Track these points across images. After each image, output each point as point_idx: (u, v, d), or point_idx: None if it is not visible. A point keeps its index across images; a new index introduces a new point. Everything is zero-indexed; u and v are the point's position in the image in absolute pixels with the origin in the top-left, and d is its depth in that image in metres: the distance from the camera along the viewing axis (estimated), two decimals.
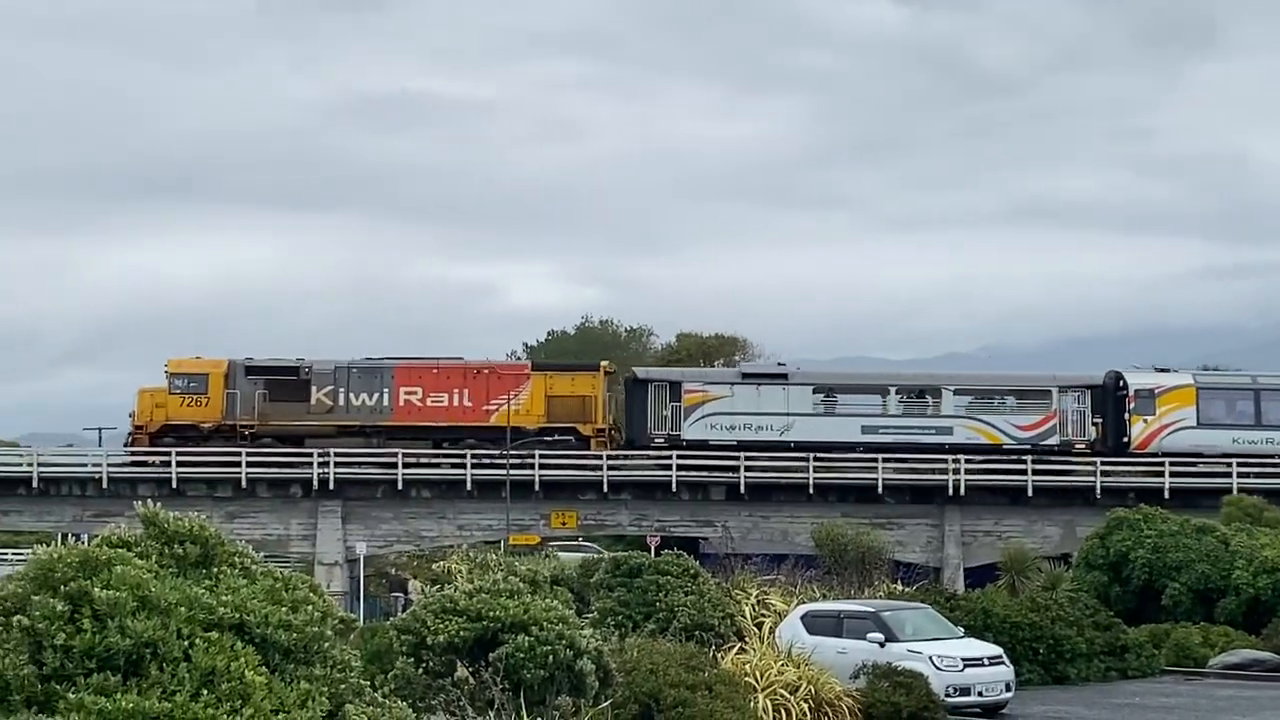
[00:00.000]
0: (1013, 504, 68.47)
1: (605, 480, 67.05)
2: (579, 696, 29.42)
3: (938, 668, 34.97)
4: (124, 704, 21.62)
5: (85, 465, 67.94)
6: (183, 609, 23.20)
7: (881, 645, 35.36)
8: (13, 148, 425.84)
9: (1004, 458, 67.88)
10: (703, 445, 67.74)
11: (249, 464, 66.34)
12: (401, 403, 68.72)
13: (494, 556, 64.81)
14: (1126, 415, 67.34)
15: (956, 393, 69.18)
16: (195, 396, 68.75)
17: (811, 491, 67.08)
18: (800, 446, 67.53)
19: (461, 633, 31.85)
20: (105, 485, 66.58)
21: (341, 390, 68.92)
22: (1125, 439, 67.59)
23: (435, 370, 69.57)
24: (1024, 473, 67.37)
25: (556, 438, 67.23)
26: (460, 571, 74.65)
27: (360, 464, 66.89)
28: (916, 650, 35.43)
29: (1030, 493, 67.74)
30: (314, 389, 69.12)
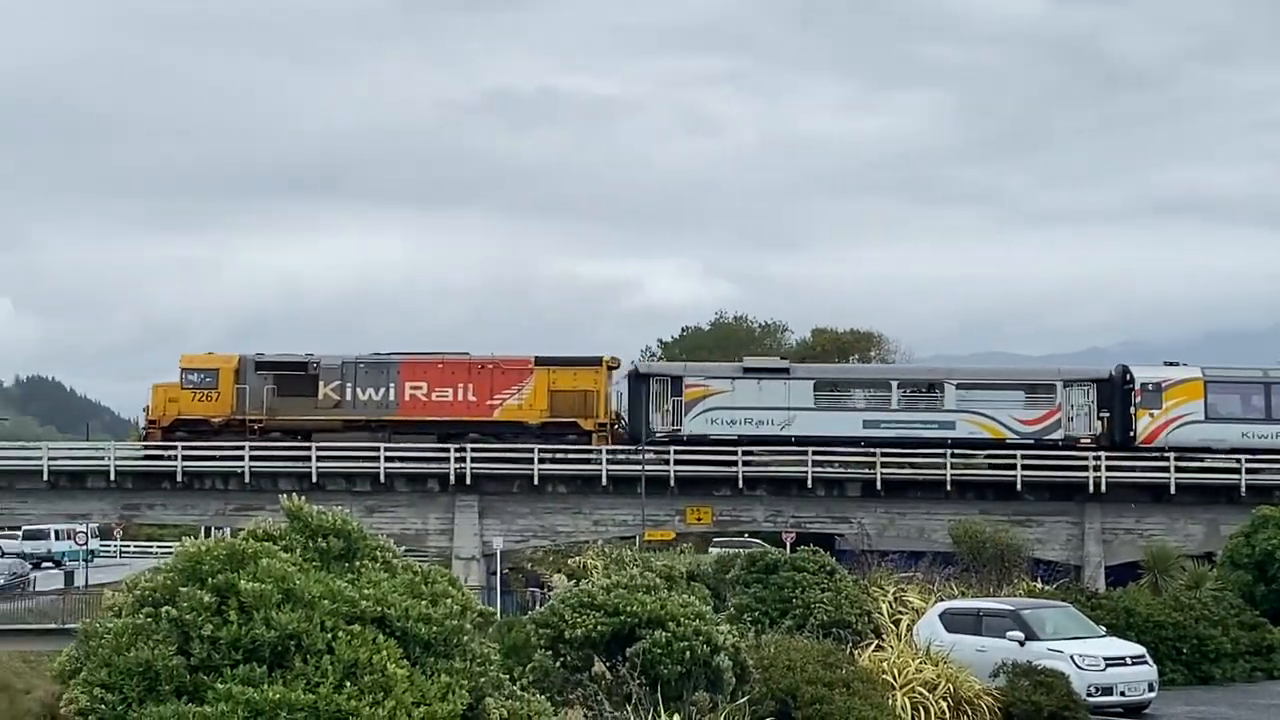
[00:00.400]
0: (1155, 501, 67.46)
1: (740, 476, 66.96)
2: (716, 693, 29.42)
3: (1079, 667, 34.59)
4: (270, 695, 21.98)
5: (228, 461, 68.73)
6: (326, 602, 23.54)
7: (1021, 644, 35.03)
8: (161, 149, 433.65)
9: (1145, 456, 66.91)
10: (703, 440, 67.62)
11: (387, 459, 67.03)
12: (407, 397, 69.19)
13: (629, 552, 65.02)
14: (1132, 409, 66.42)
15: (959, 387, 68.45)
16: (206, 391, 69.67)
17: (949, 488, 66.57)
18: (801, 441, 67.33)
19: (599, 627, 31.97)
20: (247, 480, 67.54)
21: (348, 385, 69.50)
22: (1131, 433, 66.77)
23: (440, 365, 69.96)
24: (1165, 470, 66.36)
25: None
26: (596, 567, 75.01)
27: (497, 459, 67.31)
28: (1057, 649, 35.07)
29: (1173, 490, 66.70)
30: (321, 384, 69.79)
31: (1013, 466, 66.34)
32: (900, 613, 41.90)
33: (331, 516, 26.34)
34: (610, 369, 70.00)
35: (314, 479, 66.08)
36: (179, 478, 67.46)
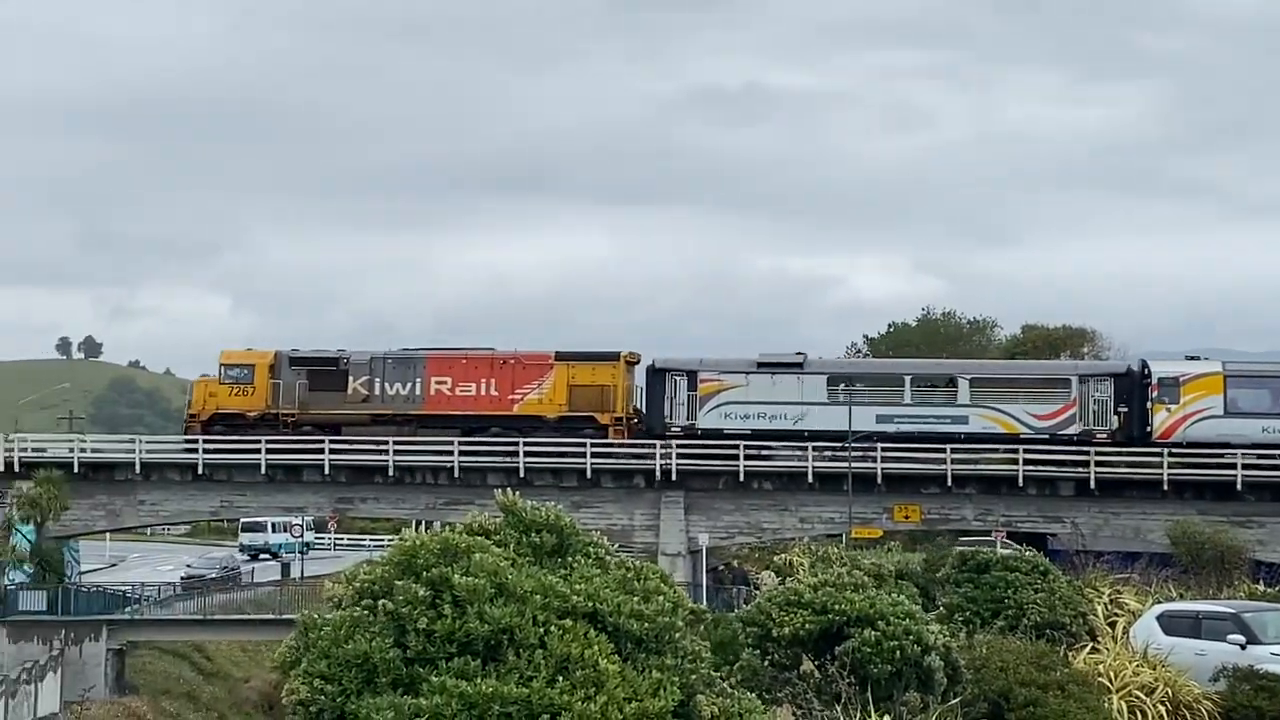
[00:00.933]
0: None
1: (949, 474, 66.14)
2: (927, 693, 29.10)
3: None
4: (484, 688, 22.24)
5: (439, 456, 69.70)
6: (538, 597, 23.75)
7: (1242, 648, 34.04)
8: (374, 148, 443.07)
9: None
10: (717, 434, 67.21)
11: (594, 454, 67.43)
12: (433, 392, 69.82)
13: (835, 549, 64.55)
14: (1149, 404, 64.84)
15: (972, 382, 67.38)
16: (243, 386, 70.76)
17: (1166, 488, 64.99)
18: (814, 436, 66.79)
19: (807, 625, 31.83)
20: (456, 475, 68.40)
21: (377, 380, 70.32)
22: (1148, 428, 65.12)
23: (464, 360, 70.61)
24: None
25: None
26: (802, 564, 74.69)
27: (702, 455, 67.30)
28: None
29: None
30: (351, 379, 70.57)
31: (1233, 466, 64.59)
32: (1116, 615, 41.08)
33: (544, 511, 26.61)
34: (629, 364, 70.32)
35: (521, 474, 66.69)
36: (390, 472, 68.54)
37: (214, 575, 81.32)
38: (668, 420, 67.63)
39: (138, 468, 69.24)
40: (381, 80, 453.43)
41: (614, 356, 69.91)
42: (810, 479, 66.72)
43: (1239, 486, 64.64)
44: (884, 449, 66.10)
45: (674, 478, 67.08)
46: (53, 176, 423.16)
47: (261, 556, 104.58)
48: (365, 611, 22.60)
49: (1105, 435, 65.79)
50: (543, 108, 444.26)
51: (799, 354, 69.52)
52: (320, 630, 22.27)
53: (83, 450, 69.63)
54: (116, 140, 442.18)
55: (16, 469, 68.47)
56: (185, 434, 72.27)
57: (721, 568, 71.75)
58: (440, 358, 70.82)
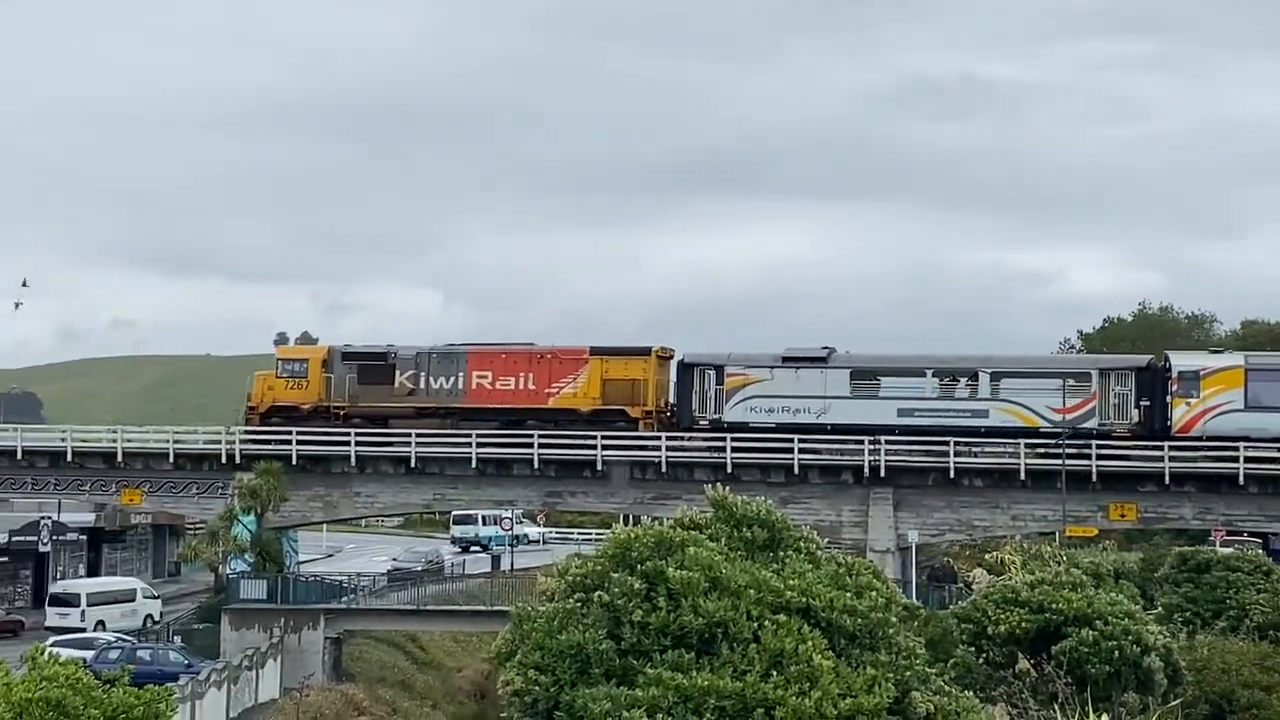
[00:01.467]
0: None
1: (1166, 472, 64.62)
2: (1146, 694, 28.55)
3: None
4: (699, 681, 22.38)
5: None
6: (752, 591, 23.81)
7: None
8: (581, 145, 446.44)
9: None
10: (743, 427, 67.42)
11: (801, 450, 67.14)
12: (474, 386, 71.09)
13: (1049, 548, 63.54)
14: (1169, 398, 63.85)
15: (993, 375, 66.65)
16: (298, 380, 72.73)
17: None
18: (837, 429, 66.74)
19: (1023, 624, 31.48)
20: (664, 469, 68.59)
21: (422, 374, 71.76)
22: (1169, 422, 63.91)
23: (504, 356, 71.79)
24: None
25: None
26: (1014, 562, 73.69)
27: (910, 451, 66.65)
28: None
29: None
30: (397, 373, 72.07)
31: None
32: None
33: (755, 506, 26.62)
34: (661, 359, 70.97)
35: (729, 469, 66.66)
36: (598, 466, 68.98)
37: (419, 569, 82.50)
38: (695, 413, 68.53)
39: (353, 460, 70.51)
40: (591, 78, 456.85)
41: (645, 351, 70.96)
42: (1022, 476, 65.63)
43: None
44: (1099, 447, 64.78)
45: (883, 474, 66.49)
46: (273, 177, 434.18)
47: (472, 549, 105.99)
48: (579, 604, 22.77)
49: (1125, 429, 65.03)
50: (751, 104, 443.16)
51: (825, 348, 69.70)
52: (535, 622, 22.54)
53: (300, 443, 71.11)
54: (333, 141, 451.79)
55: (238, 461, 70.29)
56: (245, 425, 74.49)
57: (936, 565, 70.99)
58: (481, 353, 72.38)
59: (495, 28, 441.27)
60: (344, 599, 65.62)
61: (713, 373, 68.56)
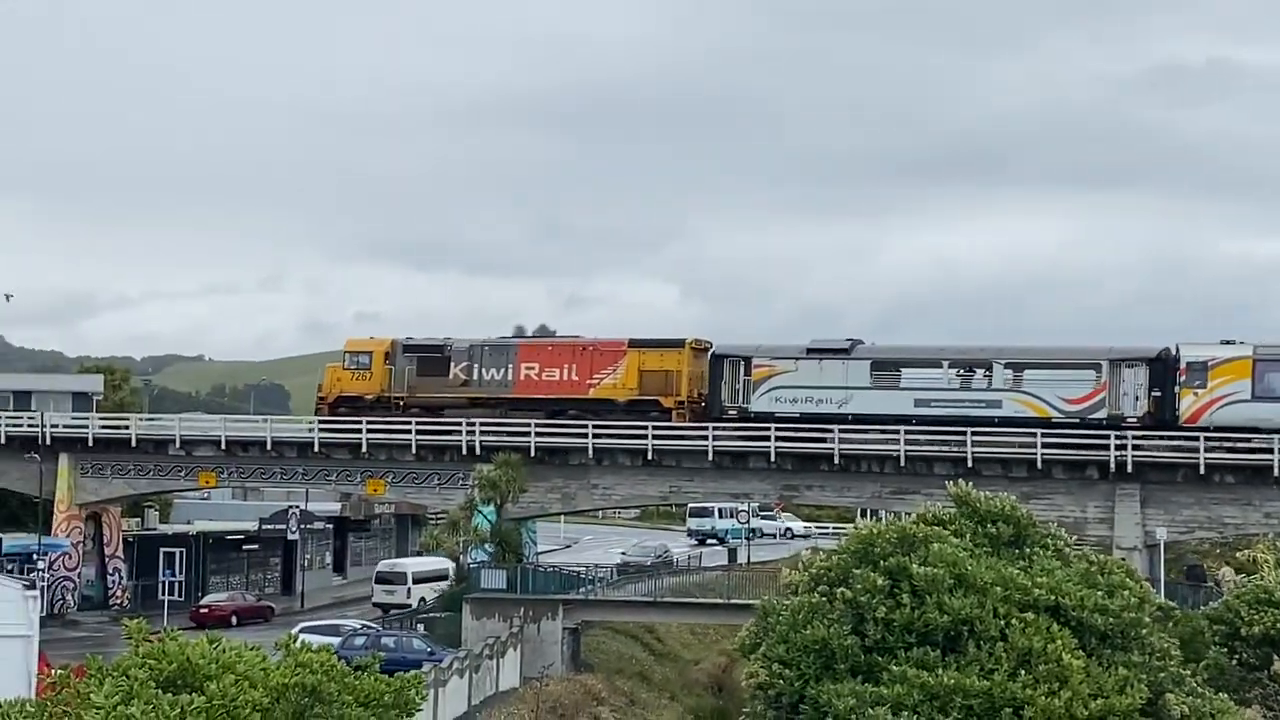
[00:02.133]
0: None
1: None
2: None
3: None
4: (945, 680, 22.05)
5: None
6: (998, 588, 23.38)
7: None
8: (818, 135, 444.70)
9: None
10: (768, 417, 69.19)
11: (1045, 445, 65.90)
12: (522, 377, 74.04)
13: None
14: (1176, 388, 64.12)
15: (1006, 366, 67.52)
16: (362, 371, 76.29)
17: None
18: (858, 419, 68.25)
19: (1278, 625, 30.39)
20: (903, 463, 67.90)
21: (475, 366, 74.84)
22: (1177, 412, 64.17)
23: (550, 348, 75.55)
24: None
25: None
26: (1267, 560, 71.55)
27: (1159, 446, 64.99)
28: None
29: None
30: (452, 365, 75.26)
31: None
32: None
33: (1000, 502, 26.15)
34: (696, 351, 72.73)
35: (969, 463, 65.70)
36: (836, 460, 68.56)
37: (648, 563, 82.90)
38: (725, 403, 70.31)
39: (590, 452, 71.15)
40: (830, 68, 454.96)
41: (680, 344, 73.03)
42: (1276, 473, 63.59)
43: None
44: None
45: (1129, 469, 64.95)
46: (513, 171, 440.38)
47: (708, 541, 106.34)
48: (823, 598, 22.59)
49: (1135, 420, 65.08)
50: (994, 92, 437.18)
51: (849, 340, 70.95)
52: (778, 615, 22.38)
53: (539, 435, 71.98)
54: (572, 134, 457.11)
55: (478, 452, 71.45)
56: (315, 415, 78.24)
57: (1192, 564, 69.11)
58: (530, 345, 76.47)
59: (737, 19, 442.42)
60: (582, 590, 66.21)
61: (741, 364, 70.50)
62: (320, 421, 75.24)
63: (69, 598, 78.88)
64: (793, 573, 24.29)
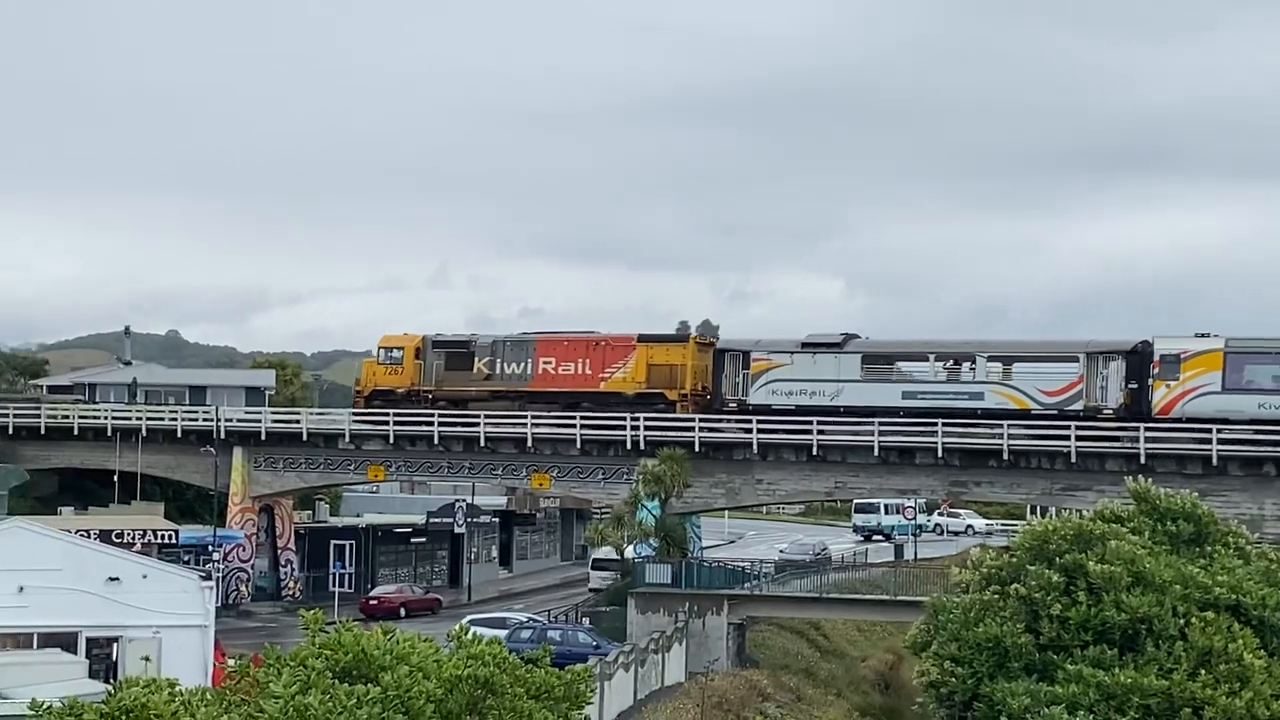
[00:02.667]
0: None
1: None
2: None
3: None
4: (1122, 679, 21.65)
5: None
6: (1177, 587, 22.93)
7: None
8: (989, 128, 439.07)
9: None
10: (766, 409, 71.32)
11: (1220, 441, 64.52)
12: (540, 371, 76.87)
13: None
14: (1150, 380, 65.55)
15: (989, 359, 69.35)
16: (395, 366, 79.70)
17: None
18: (849, 411, 70.07)
19: None
20: (1073, 459, 66.89)
21: (497, 360, 77.83)
22: (1150, 404, 65.47)
23: (566, 343, 77.66)
24: None
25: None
26: None
27: None
28: None
29: None
30: (476, 359, 78.36)
31: None
32: None
33: (1180, 499, 25.63)
34: (700, 346, 75.88)
35: (1142, 460, 64.53)
36: (1005, 456, 67.71)
37: (806, 561, 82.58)
38: (726, 396, 72.80)
39: (754, 448, 71.02)
40: (995, 60, 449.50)
41: (685, 339, 77.22)
42: None
43: None
44: None
45: None
46: (677, 165, 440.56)
47: (874, 537, 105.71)
48: (995, 596, 22.28)
49: (1110, 411, 66.40)
50: (1169, 82, 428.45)
51: (844, 334, 73.14)
52: (951, 613, 22.13)
53: (703, 430, 71.99)
54: (736, 128, 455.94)
55: (642, 447, 71.65)
56: (353, 408, 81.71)
57: None
58: (548, 340, 78.33)
59: (902, 11, 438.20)
60: (747, 585, 66.08)
61: (741, 358, 72.72)
62: (487, 417, 76.02)
63: (243, 588, 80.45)
64: (963, 570, 24.02)
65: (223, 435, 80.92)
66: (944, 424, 68.09)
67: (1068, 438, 65.89)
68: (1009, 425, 67.16)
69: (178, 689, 24.30)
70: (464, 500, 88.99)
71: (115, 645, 42.20)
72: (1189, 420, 64.50)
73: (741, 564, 70.94)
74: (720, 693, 55.05)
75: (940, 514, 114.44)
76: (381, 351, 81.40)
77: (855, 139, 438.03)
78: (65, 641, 41.34)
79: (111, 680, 38.30)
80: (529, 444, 75.15)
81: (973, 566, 24.10)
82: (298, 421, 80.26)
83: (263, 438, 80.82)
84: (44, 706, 24.27)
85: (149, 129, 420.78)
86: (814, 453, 70.22)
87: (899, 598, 61.05)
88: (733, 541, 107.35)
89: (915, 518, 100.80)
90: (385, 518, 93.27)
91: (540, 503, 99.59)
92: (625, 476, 72.54)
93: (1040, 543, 23.26)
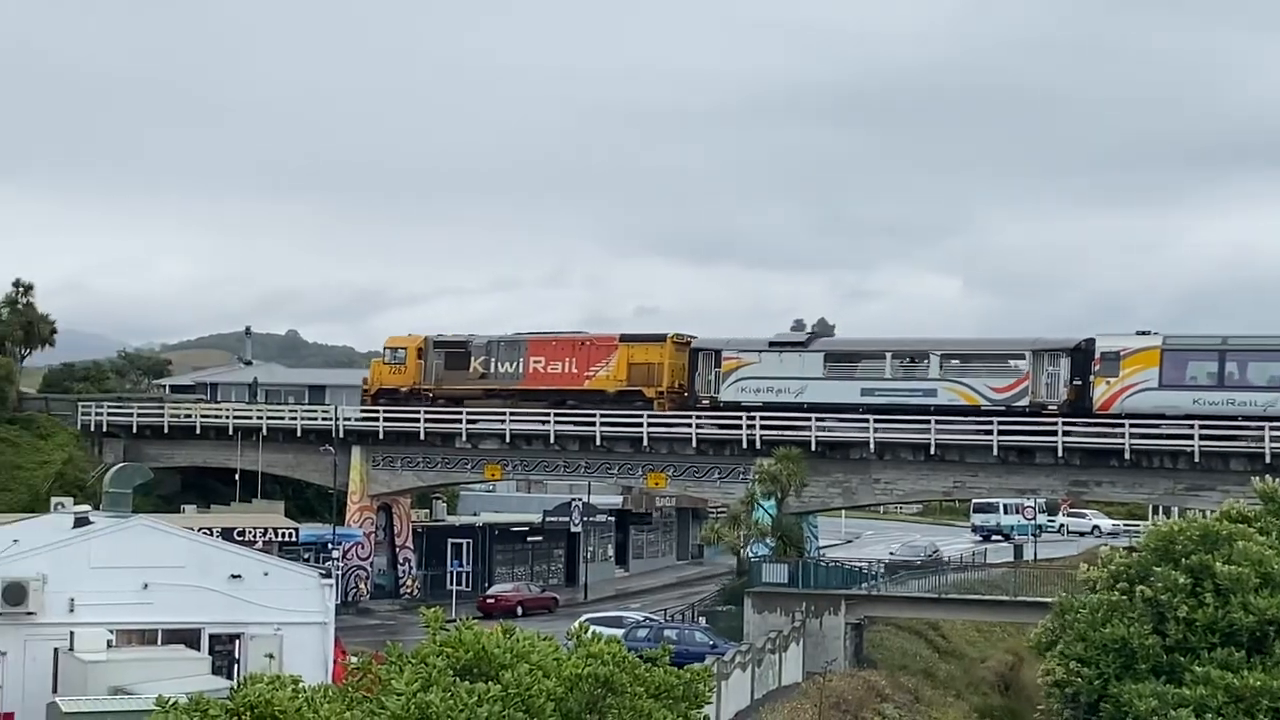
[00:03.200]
0: None
1: None
2: None
3: None
4: (1251, 681, 21.26)
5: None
6: None
7: None
8: (1109, 123, 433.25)
9: None
10: (735, 406, 73.58)
11: (1272, 439, 63.39)
12: (531, 370, 79.78)
13: None
14: (1091, 377, 67.48)
15: (943, 357, 71.30)
16: (399, 365, 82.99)
17: None
18: (812, 408, 72.21)
19: None
20: (1197, 459, 65.82)
21: (491, 360, 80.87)
22: (1090, 400, 67.61)
23: (554, 343, 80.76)
24: None
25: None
26: None
27: None
28: None
29: None
30: (472, 359, 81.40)
31: None
32: None
33: None
34: (677, 345, 77.56)
35: (1267, 459, 63.18)
36: (1127, 455, 66.88)
37: (916, 563, 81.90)
38: (700, 393, 75.34)
39: (872, 447, 70.65)
40: (1120, 53, 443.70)
41: (662, 338, 78.33)
42: None
43: None
44: None
45: None
46: (793, 164, 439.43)
47: (993, 538, 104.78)
48: (1122, 596, 21.95)
49: (1054, 407, 68.17)
50: None
51: (809, 333, 78.49)
52: (1076, 613, 21.81)
53: (819, 430, 71.71)
54: (854, 127, 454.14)
55: (758, 446, 71.51)
56: (360, 405, 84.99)
57: None
58: (538, 340, 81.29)
59: (1022, 7, 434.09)
60: (864, 585, 65.69)
61: (713, 356, 75.32)
62: (601, 415, 76.28)
63: (362, 586, 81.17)
64: (1090, 568, 23.74)
65: (341, 434, 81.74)
66: (1064, 423, 67.34)
67: (1191, 437, 64.94)
68: (1130, 425, 66.28)
69: (301, 685, 24.50)
70: (580, 499, 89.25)
71: (237, 642, 42.66)
72: (1127, 416, 66.52)
73: (859, 564, 70.57)
74: (838, 693, 54.78)
75: (1064, 514, 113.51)
76: (387, 352, 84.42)
77: (975, 136, 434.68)
78: (188, 638, 41.79)
79: (234, 677, 38.78)
80: (645, 443, 75.26)
81: (1100, 563, 23.82)
82: (415, 421, 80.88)
83: (380, 437, 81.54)
84: (170, 702, 24.58)
85: (269, 134, 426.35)
86: (932, 452, 69.69)
87: (1019, 598, 60.44)
88: (850, 541, 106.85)
89: (1035, 518, 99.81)
90: (502, 516, 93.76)
91: (656, 502, 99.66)
92: (741, 476, 72.41)
93: (1165, 543, 22.91)
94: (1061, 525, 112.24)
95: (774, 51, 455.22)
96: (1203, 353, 66.72)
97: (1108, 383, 66.79)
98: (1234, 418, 64.54)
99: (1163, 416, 65.78)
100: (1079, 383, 67.93)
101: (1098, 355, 67.40)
